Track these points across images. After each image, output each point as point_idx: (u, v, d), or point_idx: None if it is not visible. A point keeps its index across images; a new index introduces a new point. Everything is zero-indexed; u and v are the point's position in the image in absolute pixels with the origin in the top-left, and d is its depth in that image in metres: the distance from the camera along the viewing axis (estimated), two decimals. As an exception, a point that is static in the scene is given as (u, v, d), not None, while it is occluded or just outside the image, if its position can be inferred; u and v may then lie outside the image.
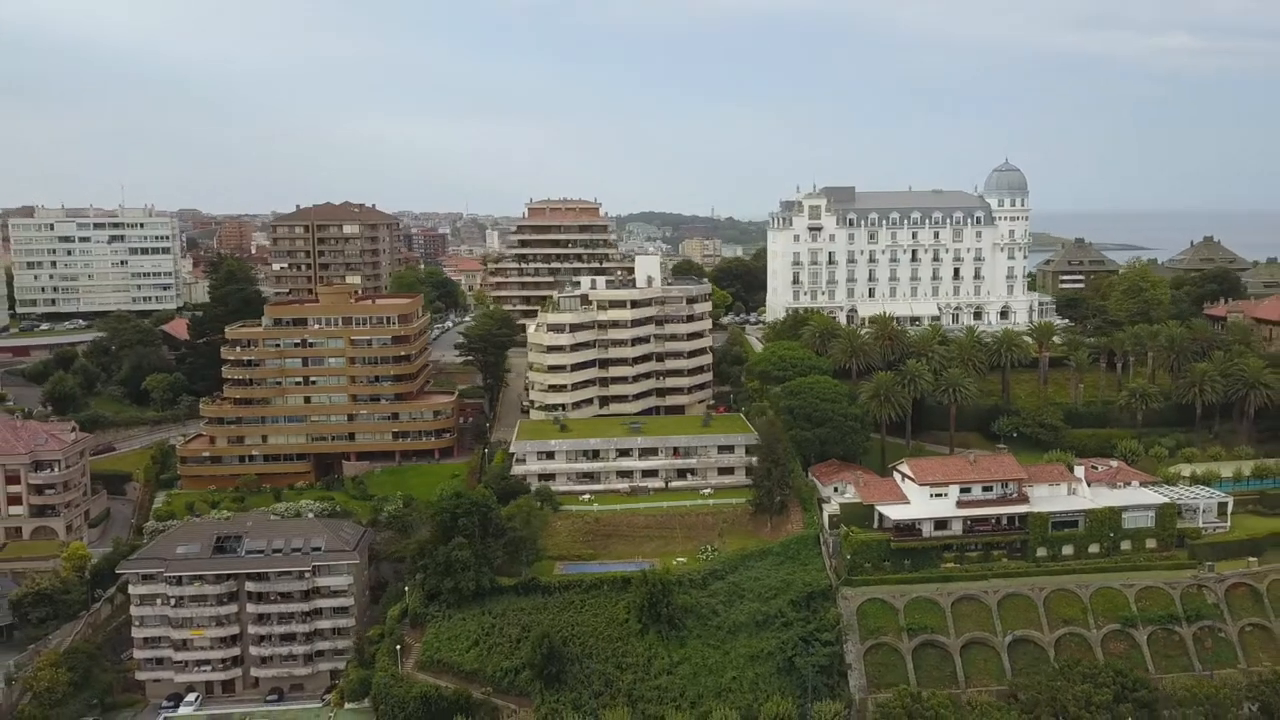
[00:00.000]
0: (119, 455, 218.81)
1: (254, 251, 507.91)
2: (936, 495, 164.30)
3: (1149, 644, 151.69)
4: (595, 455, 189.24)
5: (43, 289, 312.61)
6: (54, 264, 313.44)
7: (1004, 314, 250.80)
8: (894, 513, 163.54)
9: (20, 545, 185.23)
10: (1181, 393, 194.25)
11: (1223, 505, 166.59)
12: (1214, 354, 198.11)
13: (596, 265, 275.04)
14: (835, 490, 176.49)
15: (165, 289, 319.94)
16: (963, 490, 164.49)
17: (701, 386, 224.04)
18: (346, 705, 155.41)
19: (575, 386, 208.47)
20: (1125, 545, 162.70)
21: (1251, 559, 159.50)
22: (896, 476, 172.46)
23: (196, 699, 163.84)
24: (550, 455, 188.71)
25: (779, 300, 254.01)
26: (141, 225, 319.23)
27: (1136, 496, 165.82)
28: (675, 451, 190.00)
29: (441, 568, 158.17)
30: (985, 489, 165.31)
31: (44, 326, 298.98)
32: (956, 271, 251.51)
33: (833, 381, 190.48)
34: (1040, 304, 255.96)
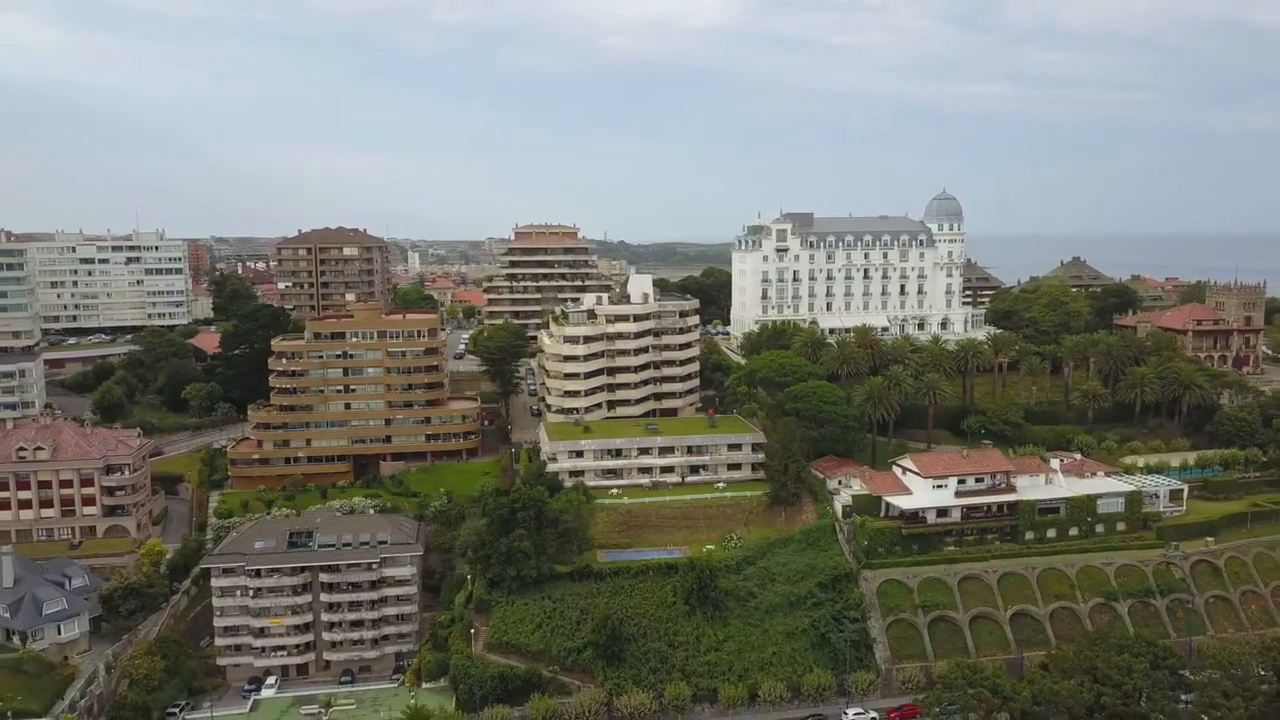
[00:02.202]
0: (167, 458, 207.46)
1: (244, 272, 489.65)
2: (938, 486, 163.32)
3: (1129, 615, 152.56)
4: (618, 454, 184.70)
5: (65, 306, 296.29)
6: (75, 283, 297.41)
7: (943, 325, 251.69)
8: (903, 503, 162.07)
9: (96, 543, 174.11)
10: (1124, 393, 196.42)
11: (1178, 492, 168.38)
12: (1148, 359, 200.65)
13: (579, 284, 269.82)
14: (840, 484, 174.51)
15: (178, 306, 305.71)
16: (960, 482, 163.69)
17: (691, 391, 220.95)
18: (424, 685, 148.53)
19: (588, 392, 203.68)
20: (1099, 528, 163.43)
21: (1209, 538, 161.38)
22: (897, 471, 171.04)
23: (275, 681, 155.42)
24: (580, 454, 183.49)
25: (747, 314, 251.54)
26: (156, 248, 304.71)
27: (1107, 485, 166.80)
28: (690, 450, 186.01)
29: (504, 557, 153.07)
30: (978, 480, 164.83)
31: (71, 341, 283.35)
32: (902, 288, 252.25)
33: (831, 386, 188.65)
34: (973, 316, 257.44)
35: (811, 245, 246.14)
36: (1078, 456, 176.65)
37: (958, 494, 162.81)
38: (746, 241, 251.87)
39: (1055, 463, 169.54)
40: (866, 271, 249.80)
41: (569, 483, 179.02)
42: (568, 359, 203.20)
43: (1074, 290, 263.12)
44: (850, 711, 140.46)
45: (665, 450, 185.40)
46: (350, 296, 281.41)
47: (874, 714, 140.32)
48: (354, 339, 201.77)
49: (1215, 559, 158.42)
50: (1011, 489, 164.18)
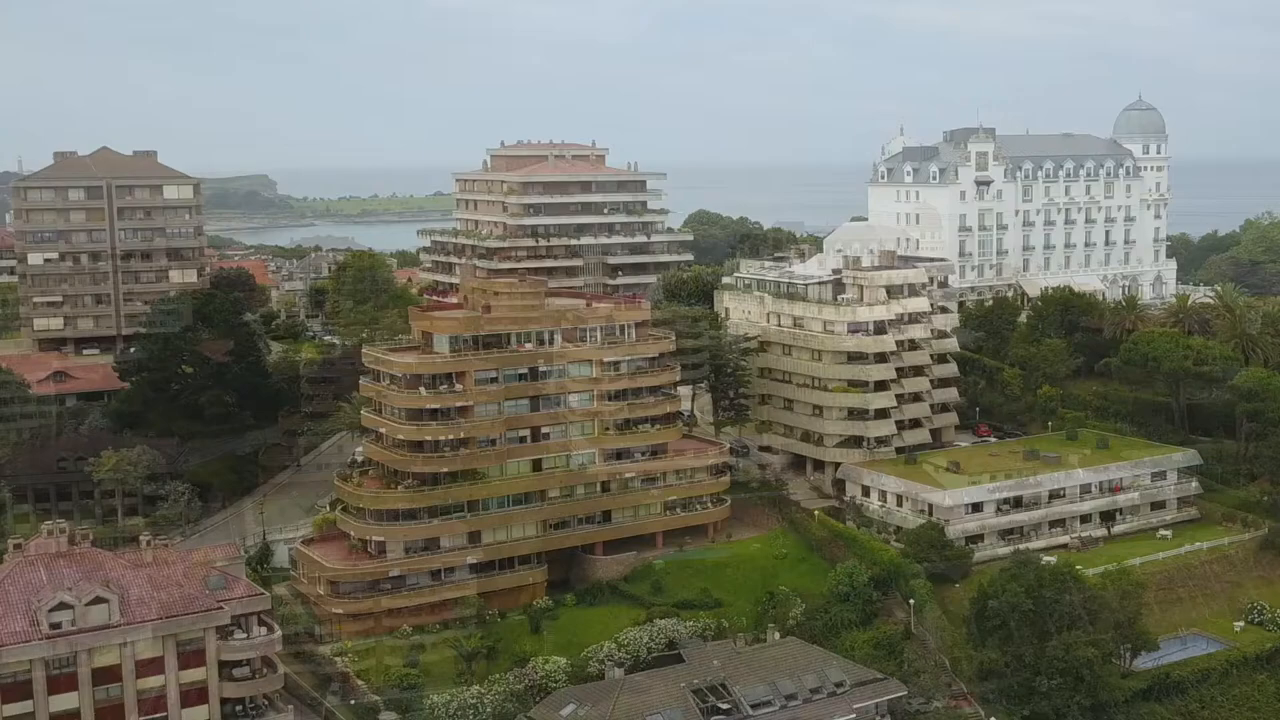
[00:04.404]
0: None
1: None
2: None
3: None
4: (1018, 502, 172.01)
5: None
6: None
7: (1154, 285, 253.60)
8: None
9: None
10: None
11: None
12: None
13: (641, 240, 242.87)
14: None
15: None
16: None
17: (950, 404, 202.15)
18: None
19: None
20: None
21: None
22: None
23: None
24: (977, 507, 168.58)
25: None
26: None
27: None
28: (1115, 486, 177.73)
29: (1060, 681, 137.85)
30: None
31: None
32: (1107, 235, 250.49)
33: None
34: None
35: (1025, 174, 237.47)
36: None
37: None
38: (908, 172, 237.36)
39: None
40: (1069, 212, 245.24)
41: (983, 553, 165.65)
42: (852, 358, 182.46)
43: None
44: None
45: (1084, 490, 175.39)
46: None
47: None
48: (533, 344, 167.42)
49: None
50: None
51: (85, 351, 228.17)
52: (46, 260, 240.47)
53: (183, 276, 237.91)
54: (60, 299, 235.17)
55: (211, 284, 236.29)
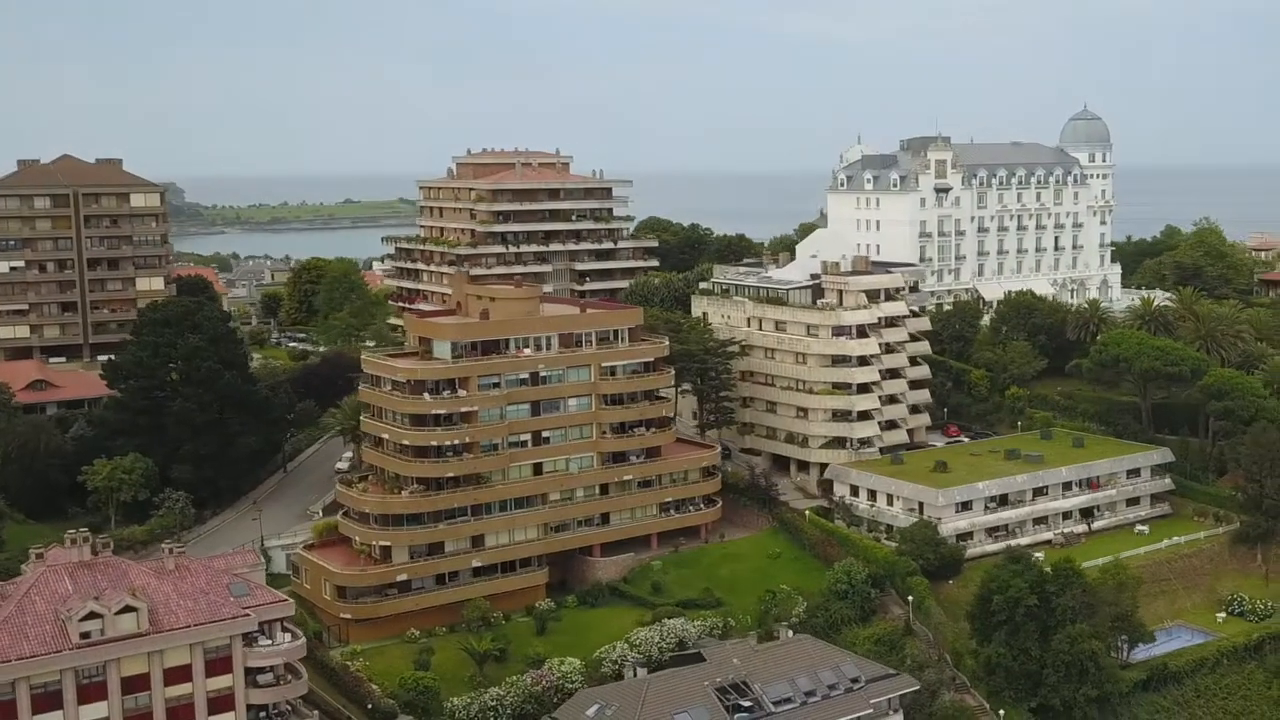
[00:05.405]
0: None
1: None
2: None
3: None
4: (1004, 500, 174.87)
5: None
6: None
7: (1100, 289, 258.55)
8: None
9: None
10: None
11: None
12: None
13: (608, 246, 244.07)
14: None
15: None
16: None
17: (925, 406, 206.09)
18: None
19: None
20: None
21: None
22: None
23: None
24: (967, 505, 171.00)
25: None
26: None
27: None
28: (1091, 484, 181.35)
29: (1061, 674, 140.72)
30: None
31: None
32: (1056, 240, 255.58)
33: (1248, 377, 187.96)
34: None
35: (979, 182, 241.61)
36: None
37: None
38: (868, 180, 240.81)
39: None
40: (1021, 219, 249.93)
41: (972, 550, 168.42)
42: (836, 361, 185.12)
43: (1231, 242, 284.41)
44: None
45: (1066, 488, 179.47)
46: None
47: None
48: (531, 349, 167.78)
49: None
50: None
51: (52, 360, 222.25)
52: (12, 268, 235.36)
53: (149, 284, 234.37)
54: (26, 307, 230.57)
55: (178, 291, 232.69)
